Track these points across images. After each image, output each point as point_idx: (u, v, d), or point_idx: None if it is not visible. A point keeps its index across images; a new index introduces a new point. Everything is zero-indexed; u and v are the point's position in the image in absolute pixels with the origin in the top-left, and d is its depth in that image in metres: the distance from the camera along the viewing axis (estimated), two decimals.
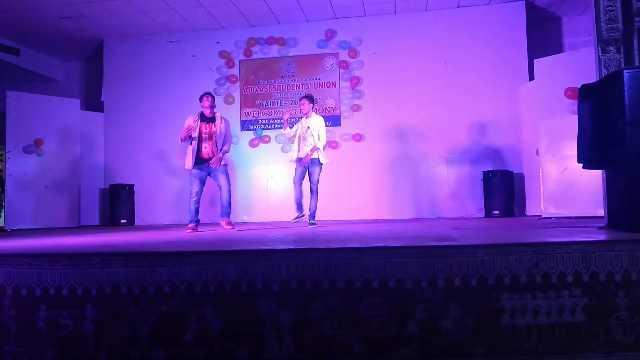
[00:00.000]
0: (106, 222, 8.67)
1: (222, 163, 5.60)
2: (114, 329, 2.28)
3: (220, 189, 5.62)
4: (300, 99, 6.16)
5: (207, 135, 5.55)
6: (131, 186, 8.60)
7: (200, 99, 5.66)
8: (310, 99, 6.14)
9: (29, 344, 2.33)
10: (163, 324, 2.25)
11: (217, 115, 5.72)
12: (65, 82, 9.88)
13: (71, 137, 8.27)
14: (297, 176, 5.99)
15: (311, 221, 5.88)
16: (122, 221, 8.32)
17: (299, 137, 6.01)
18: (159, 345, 2.24)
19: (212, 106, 5.65)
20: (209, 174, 5.61)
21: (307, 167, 5.92)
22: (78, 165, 8.34)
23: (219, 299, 2.24)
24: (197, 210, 5.56)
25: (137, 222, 8.58)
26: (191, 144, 5.54)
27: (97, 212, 8.85)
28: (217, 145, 5.58)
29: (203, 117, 5.61)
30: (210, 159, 5.52)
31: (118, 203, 8.43)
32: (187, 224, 5.55)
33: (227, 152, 5.70)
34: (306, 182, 5.97)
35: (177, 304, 2.26)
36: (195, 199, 5.53)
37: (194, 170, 5.53)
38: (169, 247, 3.02)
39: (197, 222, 5.57)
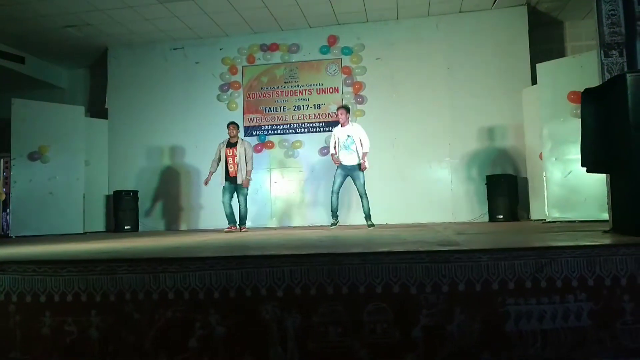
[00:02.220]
0: (110, 228, 8.69)
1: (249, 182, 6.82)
2: (118, 335, 2.28)
3: (240, 206, 6.81)
4: (338, 109, 6.51)
5: (231, 158, 6.74)
6: (135, 192, 8.63)
7: (227, 127, 6.87)
8: (347, 109, 6.55)
9: (34, 350, 2.33)
10: (168, 330, 2.25)
11: (239, 140, 6.87)
12: (70, 90, 9.95)
13: (76, 144, 8.29)
14: (336, 185, 6.36)
15: (370, 222, 6.31)
16: (126, 227, 8.34)
17: (337, 146, 6.42)
18: (163, 351, 2.24)
19: (236, 134, 6.84)
20: (235, 189, 6.79)
21: (348, 174, 6.34)
22: (82, 171, 8.36)
23: (223, 304, 2.24)
24: (230, 214, 6.77)
25: (141, 228, 8.60)
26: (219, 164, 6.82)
27: (101, 218, 8.88)
28: (240, 166, 6.69)
29: (228, 143, 6.83)
30: (235, 177, 6.71)
31: (122, 209, 8.44)
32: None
33: (251, 170, 6.84)
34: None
35: (182, 310, 2.26)
36: (226, 206, 6.73)
37: (225, 185, 6.77)
38: (173, 253, 3.03)
39: (235, 222, 6.78)
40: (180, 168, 8.77)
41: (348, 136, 6.32)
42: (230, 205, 6.74)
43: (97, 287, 2.33)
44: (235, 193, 6.80)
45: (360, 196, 6.33)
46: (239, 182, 6.69)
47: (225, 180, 6.77)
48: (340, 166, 6.36)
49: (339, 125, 6.51)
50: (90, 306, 2.32)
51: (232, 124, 6.90)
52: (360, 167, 6.30)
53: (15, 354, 2.34)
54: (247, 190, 6.85)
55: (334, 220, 6.41)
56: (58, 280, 2.37)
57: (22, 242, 5.71)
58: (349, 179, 6.42)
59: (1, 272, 2.43)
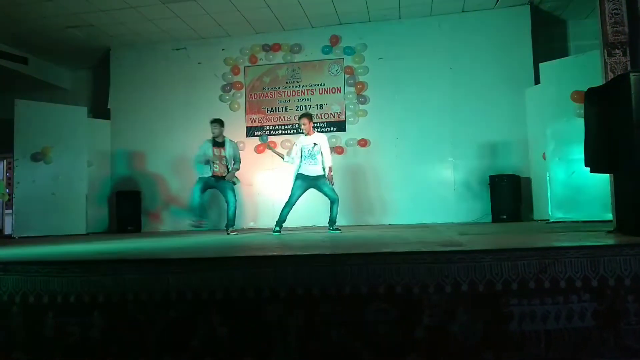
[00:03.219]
0: (113, 229, 8.70)
1: (233, 182, 6.40)
2: (121, 335, 2.28)
3: (228, 204, 6.33)
4: (300, 119, 6.19)
5: (218, 159, 6.32)
6: (138, 193, 8.64)
7: (211, 124, 6.40)
8: (310, 117, 6.27)
9: (37, 351, 2.33)
10: (170, 330, 2.25)
11: (226, 140, 6.45)
12: (72, 90, 9.96)
13: (78, 145, 8.30)
14: (295, 198, 6.00)
15: (334, 227, 5.97)
16: (129, 228, 8.35)
17: (301, 155, 6.04)
18: (166, 352, 2.24)
19: (221, 132, 6.41)
20: (216, 187, 6.38)
21: (310, 186, 5.99)
22: (85, 172, 8.38)
23: (225, 305, 2.24)
24: (201, 205, 6.37)
25: (143, 229, 8.61)
26: (206, 163, 6.33)
27: (104, 219, 8.89)
28: (226, 166, 6.33)
29: (214, 142, 6.37)
30: (219, 177, 6.30)
31: (125, 210, 8.45)
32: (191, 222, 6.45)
33: (238, 169, 6.49)
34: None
35: (184, 310, 2.26)
36: (196, 195, 6.31)
37: (203, 180, 6.30)
38: (175, 253, 3.03)
39: (200, 217, 6.40)
40: (183, 168, 8.76)
41: (315, 144, 5.99)
42: (202, 197, 6.29)
43: (99, 287, 2.33)
44: (215, 190, 6.36)
45: (333, 202, 5.95)
46: (227, 178, 6.29)
47: (206, 176, 6.28)
48: (302, 177, 5.98)
49: (304, 135, 6.17)
50: (93, 307, 2.32)
51: (217, 122, 6.40)
52: (325, 177, 5.97)
53: (19, 355, 2.34)
54: (234, 187, 6.43)
55: (278, 228, 6.00)
56: (61, 281, 2.37)
57: (25, 242, 5.73)
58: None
59: (4, 272, 2.43)
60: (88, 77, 9.98)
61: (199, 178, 6.32)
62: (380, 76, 8.34)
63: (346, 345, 2.15)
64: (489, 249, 2.27)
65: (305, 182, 5.99)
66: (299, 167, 6.03)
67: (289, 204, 6.02)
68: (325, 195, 6.01)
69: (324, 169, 6.01)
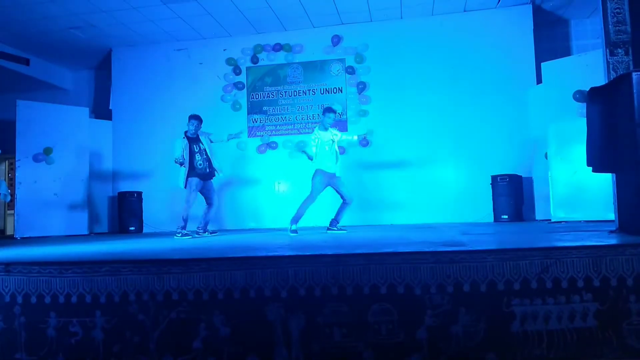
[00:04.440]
0: (115, 229, 8.70)
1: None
2: (123, 336, 2.28)
3: (211, 206, 6.09)
4: (328, 113, 5.86)
5: (198, 155, 6.01)
6: (139, 193, 8.64)
7: (188, 120, 6.11)
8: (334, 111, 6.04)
9: (39, 351, 2.34)
10: (172, 331, 2.25)
11: (200, 133, 6.13)
12: (74, 91, 9.98)
13: (80, 145, 8.32)
14: (317, 193, 5.69)
15: (338, 227, 5.82)
16: (130, 228, 8.35)
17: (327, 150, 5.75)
18: (168, 352, 2.24)
19: (198, 128, 6.09)
20: (202, 188, 6.03)
21: (329, 182, 5.75)
22: (87, 173, 8.40)
23: (227, 305, 2.24)
24: (189, 218, 5.93)
25: (145, 229, 8.61)
26: (182, 164, 5.95)
27: (105, 219, 8.90)
28: (208, 160, 6.04)
29: (189, 138, 6.04)
30: (206, 175, 6.01)
31: (126, 210, 8.45)
32: (182, 231, 5.87)
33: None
34: None
35: (186, 310, 2.26)
36: (193, 204, 5.95)
37: (195, 182, 5.92)
38: (177, 254, 3.03)
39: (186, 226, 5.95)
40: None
41: (333, 140, 5.78)
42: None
43: (101, 288, 2.33)
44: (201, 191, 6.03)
45: (349, 203, 5.77)
46: (217, 174, 6.05)
47: (194, 177, 5.90)
48: (322, 174, 5.67)
49: (322, 130, 5.85)
50: (95, 307, 2.32)
51: (197, 118, 6.08)
52: (340, 177, 5.83)
53: (21, 355, 2.35)
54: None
55: (295, 227, 5.63)
56: (63, 281, 2.37)
57: (27, 243, 5.74)
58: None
59: (6, 273, 2.44)
60: (89, 78, 10.00)
61: (188, 183, 5.90)
62: (381, 76, 8.33)
63: (348, 345, 2.15)
64: (491, 249, 2.27)
65: (326, 178, 5.70)
66: (321, 163, 5.70)
67: (311, 200, 5.67)
68: (341, 195, 5.79)
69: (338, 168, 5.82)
